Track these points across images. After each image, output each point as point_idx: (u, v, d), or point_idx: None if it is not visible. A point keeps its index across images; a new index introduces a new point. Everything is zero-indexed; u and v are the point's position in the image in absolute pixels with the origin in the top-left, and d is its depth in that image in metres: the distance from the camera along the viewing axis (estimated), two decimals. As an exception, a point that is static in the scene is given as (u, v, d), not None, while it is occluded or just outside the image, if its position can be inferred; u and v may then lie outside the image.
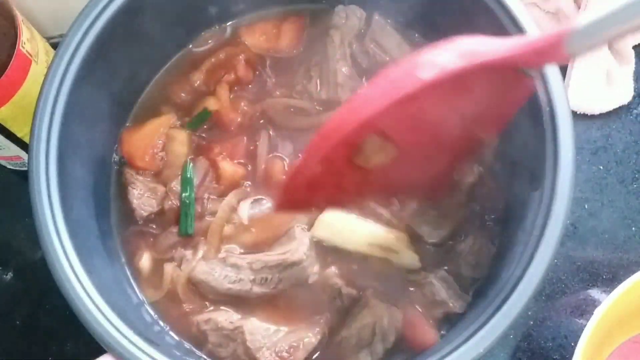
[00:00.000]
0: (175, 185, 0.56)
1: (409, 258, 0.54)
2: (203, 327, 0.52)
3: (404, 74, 0.39)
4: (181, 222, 0.55)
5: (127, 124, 0.60)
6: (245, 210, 0.55)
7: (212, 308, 0.53)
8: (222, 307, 0.53)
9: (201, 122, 0.58)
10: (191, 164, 0.57)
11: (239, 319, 0.52)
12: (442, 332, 0.52)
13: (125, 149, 0.58)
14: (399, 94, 0.39)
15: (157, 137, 0.58)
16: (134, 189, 0.56)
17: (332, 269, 0.53)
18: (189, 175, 0.56)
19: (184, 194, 0.55)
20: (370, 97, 0.40)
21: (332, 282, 0.53)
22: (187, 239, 0.55)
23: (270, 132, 0.58)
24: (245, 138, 0.58)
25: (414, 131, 0.43)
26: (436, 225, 0.54)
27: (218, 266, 0.53)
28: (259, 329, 0.51)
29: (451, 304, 0.52)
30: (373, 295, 0.52)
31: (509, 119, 0.47)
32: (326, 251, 0.54)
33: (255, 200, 0.55)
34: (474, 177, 0.55)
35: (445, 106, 0.42)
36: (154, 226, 0.56)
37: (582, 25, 0.35)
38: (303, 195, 0.47)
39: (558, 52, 0.37)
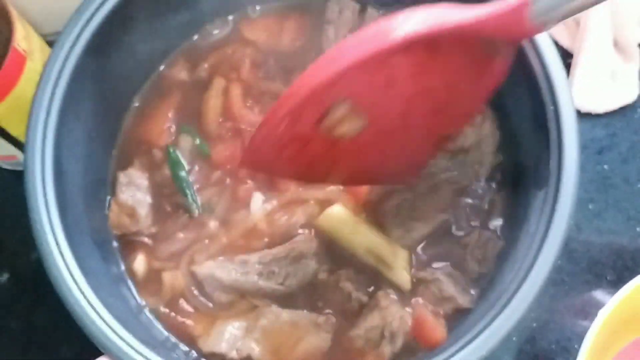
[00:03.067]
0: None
1: (400, 277, 0.53)
2: None
3: (373, 34, 0.39)
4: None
5: (125, 123, 0.59)
6: (259, 203, 0.54)
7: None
8: (229, 322, 0.52)
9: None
10: (173, 149, 0.57)
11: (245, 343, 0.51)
12: (452, 328, 0.52)
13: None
14: (366, 52, 0.39)
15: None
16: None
17: (343, 272, 0.53)
18: (174, 158, 0.56)
19: (180, 175, 0.56)
20: (338, 54, 0.40)
21: (342, 286, 0.52)
22: (188, 244, 0.55)
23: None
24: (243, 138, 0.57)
25: (382, 104, 0.43)
26: (409, 228, 0.53)
27: (225, 262, 0.53)
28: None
29: (460, 299, 0.52)
30: (383, 297, 0.52)
31: (478, 110, 0.48)
32: (336, 253, 0.54)
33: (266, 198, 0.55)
34: (465, 182, 0.54)
35: (414, 79, 0.42)
36: (154, 230, 0.56)
37: None
38: (268, 155, 0.46)
39: (523, 21, 0.37)
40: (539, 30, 0.38)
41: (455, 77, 0.43)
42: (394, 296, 0.52)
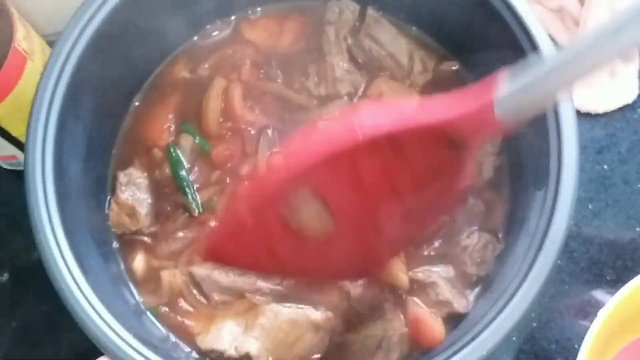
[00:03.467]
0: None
1: (397, 281, 0.52)
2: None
3: (338, 130, 0.39)
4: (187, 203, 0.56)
5: (125, 123, 0.59)
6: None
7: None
8: (228, 320, 0.52)
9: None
10: (173, 148, 0.57)
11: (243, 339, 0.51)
12: (448, 331, 0.51)
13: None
14: (330, 149, 0.38)
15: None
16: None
17: None
18: (175, 157, 0.56)
19: (180, 174, 0.56)
20: (303, 150, 0.40)
21: (340, 285, 0.52)
22: (188, 243, 0.55)
23: (269, 132, 0.57)
24: (243, 138, 0.57)
25: (351, 202, 0.42)
26: None
27: None
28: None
29: (455, 304, 0.51)
30: (390, 309, 0.51)
31: (446, 211, 0.46)
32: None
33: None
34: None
35: (381, 178, 0.41)
36: (153, 229, 0.56)
37: (510, 90, 0.34)
38: (231, 250, 0.45)
39: (488, 118, 0.35)
40: (509, 127, 0.36)
41: (423, 176, 0.42)
42: (399, 311, 0.52)
